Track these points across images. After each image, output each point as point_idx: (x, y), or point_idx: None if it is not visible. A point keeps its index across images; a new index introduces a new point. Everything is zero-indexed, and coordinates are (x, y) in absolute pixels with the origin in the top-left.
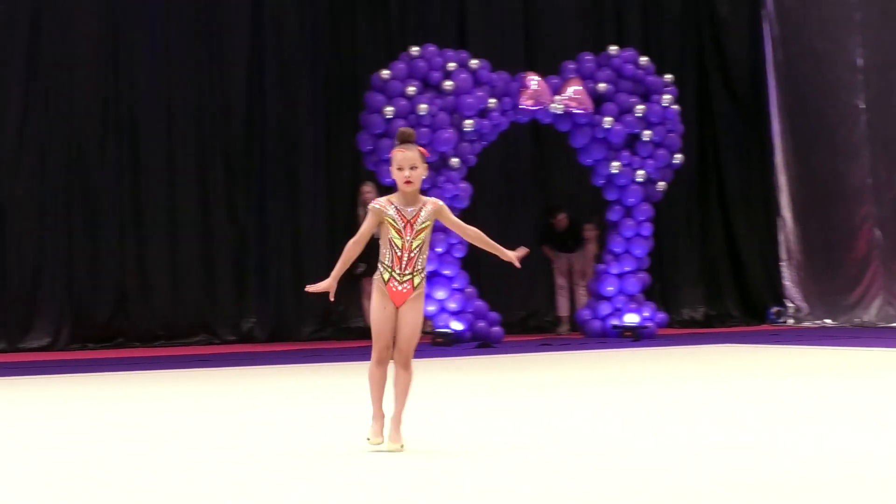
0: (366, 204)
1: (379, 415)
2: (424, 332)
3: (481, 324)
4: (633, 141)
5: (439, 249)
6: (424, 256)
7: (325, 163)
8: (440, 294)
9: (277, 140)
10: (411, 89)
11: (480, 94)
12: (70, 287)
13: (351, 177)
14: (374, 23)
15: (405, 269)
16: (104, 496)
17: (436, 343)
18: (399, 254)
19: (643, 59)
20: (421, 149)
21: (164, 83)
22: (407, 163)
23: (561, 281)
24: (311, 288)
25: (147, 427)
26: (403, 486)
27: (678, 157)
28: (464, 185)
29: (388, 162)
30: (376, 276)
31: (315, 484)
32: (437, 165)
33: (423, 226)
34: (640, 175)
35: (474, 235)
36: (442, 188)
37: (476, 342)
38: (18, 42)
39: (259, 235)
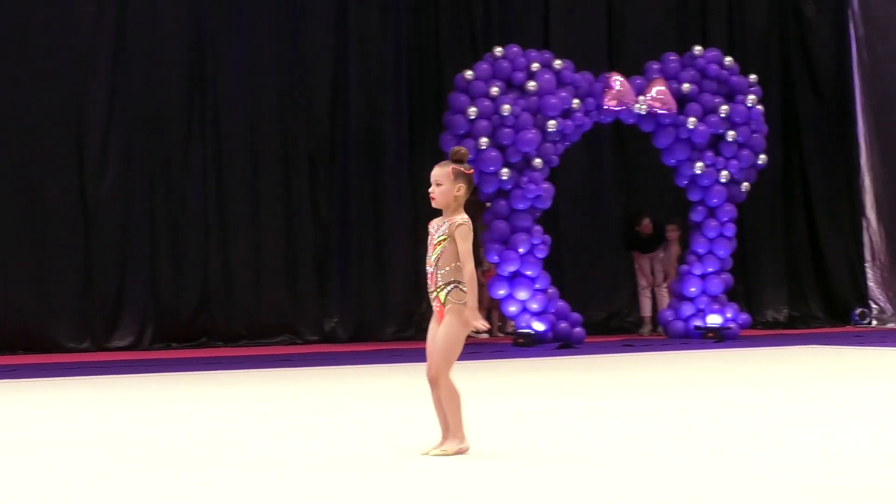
0: None
1: (443, 427)
2: (506, 333)
3: (563, 324)
4: (716, 141)
5: (522, 250)
6: (445, 271)
7: (409, 163)
8: (522, 294)
9: (360, 140)
10: (495, 90)
11: (564, 94)
12: (154, 287)
13: None
14: (458, 23)
15: (430, 285)
16: (191, 493)
17: (517, 343)
18: (426, 269)
19: (727, 60)
20: (456, 166)
21: (247, 84)
22: (433, 179)
23: (643, 282)
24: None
25: (229, 426)
26: (469, 489)
27: (762, 158)
28: (546, 185)
29: (470, 163)
30: None
31: (378, 485)
32: (520, 166)
33: (440, 239)
34: (724, 176)
35: (464, 278)
36: (524, 188)
37: (557, 343)
38: (104, 45)
39: (342, 235)
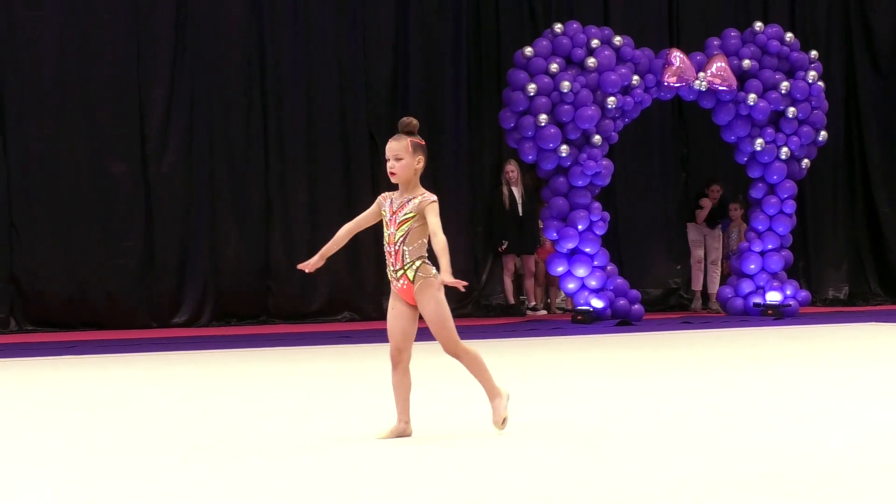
0: (510, 182)
1: (401, 420)
2: (564, 310)
3: (622, 301)
4: (777, 118)
5: (580, 227)
6: (412, 248)
7: (468, 140)
8: (581, 272)
9: (420, 117)
10: (554, 66)
11: (623, 71)
12: (215, 264)
13: (494, 154)
14: (518, 0)
15: (395, 264)
16: (254, 472)
17: (576, 321)
18: (387, 248)
19: (788, 36)
20: (414, 139)
21: (307, 61)
22: (392, 154)
23: (698, 255)
24: (301, 266)
25: (287, 403)
26: (522, 468)
27: (823, 135)
28: (606, 162)
29: (529, 140)
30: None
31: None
32: (579, 143)
33: (406, 216)
34: (784, 152)
35: (438, 247)
36: (584, 165)
37: (616, 320)
38: (164, 22)
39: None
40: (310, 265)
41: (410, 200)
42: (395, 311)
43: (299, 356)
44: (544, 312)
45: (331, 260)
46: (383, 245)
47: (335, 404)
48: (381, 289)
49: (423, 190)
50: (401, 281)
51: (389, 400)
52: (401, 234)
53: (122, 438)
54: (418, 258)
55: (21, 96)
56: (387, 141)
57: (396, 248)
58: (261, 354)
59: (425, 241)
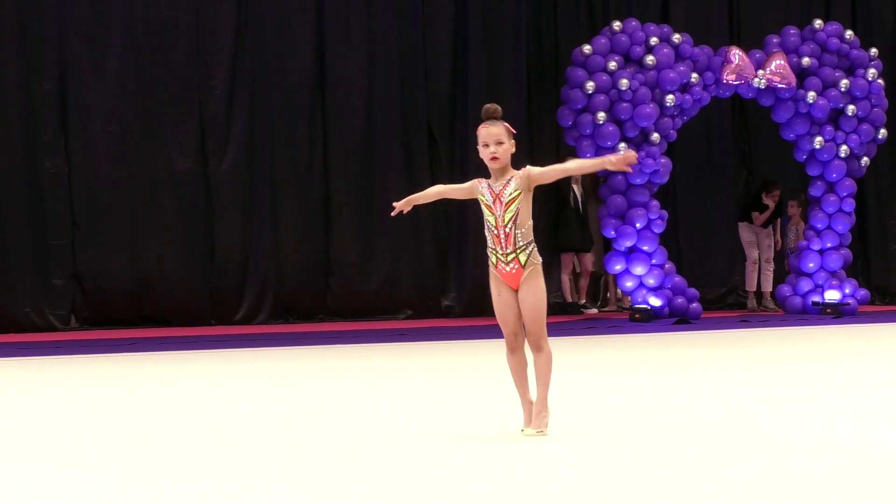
0: (572, 180)
1: (526, 402)
2: (623, 308)
3: (679, 300)
4: (836, 116)
5: (638, 225)
6: (524, 230)
7: (527, 138)
8: (639, 270)
9: (479, 114)
10: (613, 64)
11: (682, 68)
12: (275, 262)
13: (552, 152)
14: None
15: (506, 247)
16: (316, 470)
17: (634, 319)
18: (496, 232)
19: (848, 33)
20: (506, 124)
21: (367, 56)
22: (492, 139)
23: (754, 256)
24: (395, 204)
25: (345, 400)
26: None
27: (882, 133)
28: (664, 160)
29: (587, 138)
30: (490, 263)
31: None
32: (638, 140)
33: (512, 196)
34: (844, 150)
35: (571, 167)
36: (642, 163)
37: (674, 318)
38: (225, 17)
39: (460, 209)
40: (398, 206)
41: (511, 180)
42: (504, 298)
43: (358, 354)
44: (595, 311)
45: (392, 256)
46: (486, 231)
47: (396, 401)
48: (441, 287)
49: (514, 171)
50: (511, 265)
51: (448, 395)
52: (510, 214)
53: (179, 436)
54: (530, 242)
55: (84, 95)
56: (445, 138)
57: (507, 230)
58: (319, 352)
59: (531, 223)
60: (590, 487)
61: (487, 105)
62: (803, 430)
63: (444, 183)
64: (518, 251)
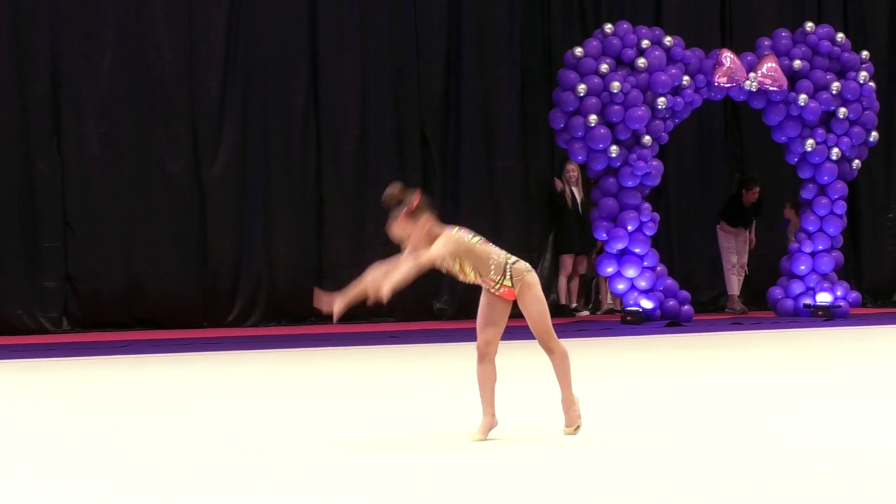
0: (570, 182)
1: (488, 414)
2: (614, 311)
3: (671, 302)
4: (828, 118)
5: (630, 227)
6: (492, 267)
7: (522, 140)
8: (630, 272)
9: (473, 115)
10: (604, 67)
11: (674, 71)
12: (268, 264)
13: (546, 154)
14: (568, 0)
15: (492, 285)
16: (309, 472)
17: (625, 321)
18: (474, 280)
19: (839, 36)
20: (405, 207)
21: (361, 58)
22: (398, 239)
23: (733, 259)
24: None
25: (337, 402)
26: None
27: (874, 135)
28: (656, 162)
29: (579, 140)
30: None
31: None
32: (629, 143)
33: (447, 267)
34: (835, 153)
35: (402, 262)
36: (633, 166)
37: (666, 321)
38: (217, 19)
39: (455, 211)
40: (336, 312)
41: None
42: (490, 306)
43: (350, 356)
44: (587, 313)
45: (384, 258)
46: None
47: (387, 404)
48: (432, 290)
49: (440, 231)
50: (502, 289)
51: (440, 397)
52: (471, 273)
53: (172, 438)
54: (507, 266)
55: (76, 97)
56: (438, 140)
57: (478, 278)
58: (311, 354)
59: (490, 250)
60: (584, 489)
61: (383, 196)
62: (794, 433)
63: (436, 185)
64: (501, 280)
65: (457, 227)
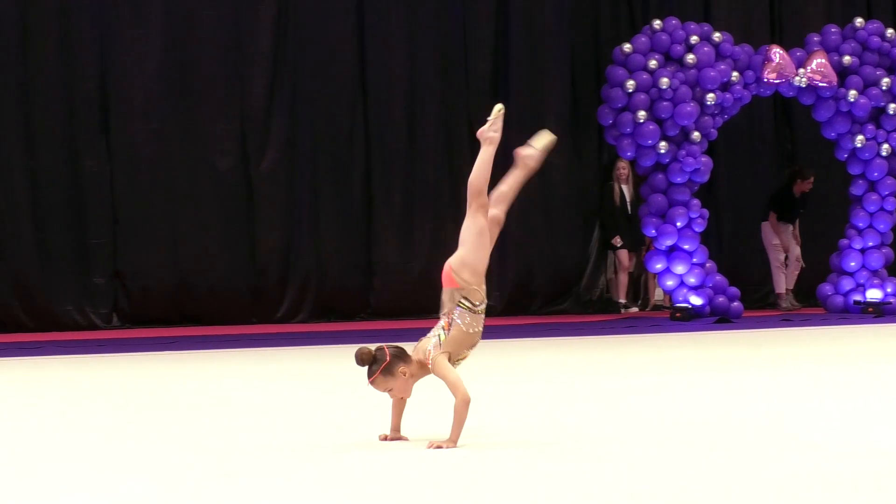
0: (620, 180)
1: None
2: (663, 307)
3: (720, 298)
4: (878, 114)
5: (679, 224)
6: (466, 319)
7: (570, 137)
8: (679, 268)
9: (521, 112)
10: (653, 63)
11: (723, 67)
12: (317, 261)
13: (595, 150)
14: None
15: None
16: (354, 470)
17: (674, 318)
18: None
19: (889, 32)
20: (381, 364)
21: (408, 56)
22: (385, 391)
23: (781, 256)
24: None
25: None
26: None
27: None
28: (705, 159)
29: (627, 136)
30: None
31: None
32: (678, 140)
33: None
34: (885, 149)
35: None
36: (682, 162)
37: (715, 317)
38: (265, 16)
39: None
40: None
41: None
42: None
43: None
44: (636, 310)
45: (434, 254)
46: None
47: (433, 399)
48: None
49: (416, 370)
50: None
51: (487, 394)
52: (464, 327)
53: (218, 435)
54: (472, 305)
55: (124, 94)
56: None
57: (474, 316)
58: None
59: (435, 336)
60: (624, 487)
61: (356, 356)
62: (841, 432)
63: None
64: (477, 306)
65: (412, 352)
